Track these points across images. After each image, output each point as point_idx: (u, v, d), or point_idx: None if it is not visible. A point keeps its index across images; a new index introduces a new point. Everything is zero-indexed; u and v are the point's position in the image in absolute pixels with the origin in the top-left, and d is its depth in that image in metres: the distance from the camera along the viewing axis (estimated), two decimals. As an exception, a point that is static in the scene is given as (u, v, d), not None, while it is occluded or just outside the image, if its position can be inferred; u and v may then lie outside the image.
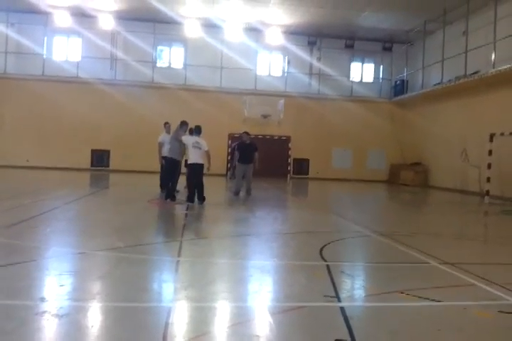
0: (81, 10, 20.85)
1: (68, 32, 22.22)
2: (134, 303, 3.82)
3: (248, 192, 13.24)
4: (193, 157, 10.54)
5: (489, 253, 7.17)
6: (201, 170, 10.62)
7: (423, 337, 3.39)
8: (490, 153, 14.31)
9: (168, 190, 10.79)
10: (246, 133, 13.43)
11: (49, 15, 21.32)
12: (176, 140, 10.75)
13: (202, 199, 10.61)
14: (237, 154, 13.38)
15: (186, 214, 9.25)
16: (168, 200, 10.60)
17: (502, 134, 14.14)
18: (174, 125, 11.59)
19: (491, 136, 14.44)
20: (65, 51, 22.74)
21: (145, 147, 19.98)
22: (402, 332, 3.46)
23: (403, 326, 3.58)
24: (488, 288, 4.57)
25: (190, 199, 10.51)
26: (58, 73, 21.59)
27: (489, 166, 14.36)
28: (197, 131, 10.83)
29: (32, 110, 21.60)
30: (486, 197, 14.34)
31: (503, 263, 6.07)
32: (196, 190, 10.59)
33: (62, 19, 21.29)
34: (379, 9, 19.33)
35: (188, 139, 10.69)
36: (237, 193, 13.12)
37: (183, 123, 10.98)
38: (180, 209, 9.92)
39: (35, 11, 21.08)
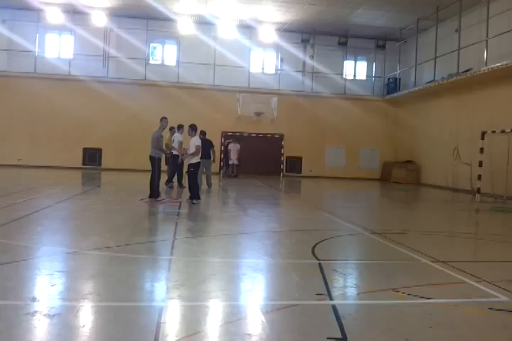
0: (73, 7, 20.72)
1: (60, 29, 22.07)
2: (126, 303, 3.81)
3: (209, 185, 14.63)
4: (197, 156, 10.72)
5: (480, 251, 7.22)
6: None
7: (415, 334, 3.41)
8: (481, 150, 14.39)
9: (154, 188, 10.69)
10: (202, 131, 14.38)
11: (41, 12, 21.17)
12: (159, 137, 10.76)
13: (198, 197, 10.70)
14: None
15: (178, 213, 9.23)
16: (159, 198, 10.55)
17: (493, 132, 14.22)
18: (171, 123, 11.84)
19: (483, 134, 14.52)
20: (57, 48, 22.60)
21: (138, 145, 19.93)
22: (393, 329, 3.47)
23: (395, 324, 3.60)
24: (478, 286, 4.60)
25: (198, 196, 10.62)
26: (50, 71, 21.45)
27: (480, 164, 14.44)
28: (195, 130, 10.90)
29: (23, 108, 21.44)
30: (477, 195, 14.42)
31: (494, 260, 6.12)
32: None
33: (54, 16, 21.15)
34: (372, 7, 19.35)
35: (196, 141, 10.74)
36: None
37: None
38: (172, 208, 9.89)
39: (27, 8, 20.92)
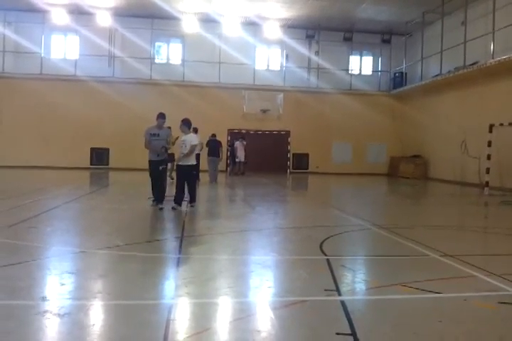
0: (78, 7, 20.79)
1: (66, 30, 22.16)
2: (135, 301, 3.83)
3: (215, 179, 16.26)
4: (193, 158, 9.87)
5: (489, 245, 7.18)
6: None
7: (424, 328, 3.39)
8: (489, 144, 14.29)
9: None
10: (213, 134, 17.20)
11: (46, 13, 21.27)
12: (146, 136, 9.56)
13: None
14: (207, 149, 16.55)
15: (186, 211, 9.25)
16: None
17: (501, 125, 14.12)
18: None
19: (491, 127, 14.41)
20: (63, 49, 22.70)
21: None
22: (402, 324, 3.47)
23: (404, 318, 3.59)
24: (488, 279, 4.58)
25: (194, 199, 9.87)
26: (56, 72, 21.54)
27: (489, 157, 14.35)
28: (190, 126, 9.74)
29: (30, 109, 21.57)
30: (486, 189, 14.33)
31: (503, 254, 6.08)
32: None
33: (60, 17, 21.25)
34: (377, 1, 19.23)
35: (193, 139, 9.66)
36: (210, 180, 16.12)
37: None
38: (179, 207, 9.87)
39: (32, 10, 21.02)
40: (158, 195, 9.35)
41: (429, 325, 3.45)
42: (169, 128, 10.05)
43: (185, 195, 9.64)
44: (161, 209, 9.13)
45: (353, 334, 3.20)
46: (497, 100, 16.09)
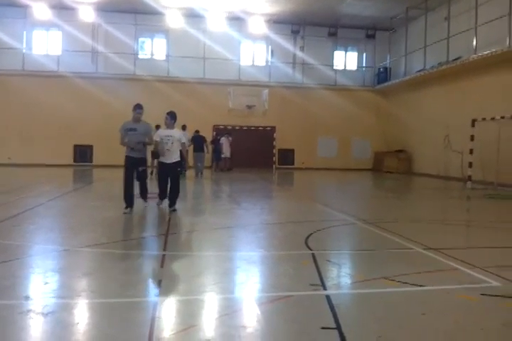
0: (60, 2, 20.51)
1: (48, 25, 21.84)
2: (120, 299, 3.80)
3: (201, 173, 17.34)
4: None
5: (472, 238, 7.29)
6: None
7: (408, 321, 3.44)
8: (472, 138, 14.46)
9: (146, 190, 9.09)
10: (197, 131, 18.21)
11: (28, 8, 20.96)
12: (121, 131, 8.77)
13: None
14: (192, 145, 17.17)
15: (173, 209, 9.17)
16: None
17: (484, 119, 14.29)
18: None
19: (473, 122, 14.58)
20: (45, 45, 22.37)
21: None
22: (387, 317, 3.50)
23: (388, 312, 3.63)
24: (470, 272, 4.64)
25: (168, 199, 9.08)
26: (38, 68, 21.25)
27: (471, 152, 14.53)
28: (175, 119, 8.98)
29: (12, 106, 21.27)
30: (469, 183, 14.52)
31: (486, 246, 6.17)
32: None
33: (42, 12, 20.96)
34: (361, -4, 19.30)
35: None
36: (196, 174, 17.09)
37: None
38: (164, 204, 9.81)
39: (13, 4, 20.68)
40: (141, 193, 8.90)
41: (413, 318, 3.50)
42: (158, 126, 9.20)
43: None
44: (145, 206, 9.03)
45: (338, 328, 3.22)
46: (479, 95, 16.28)
